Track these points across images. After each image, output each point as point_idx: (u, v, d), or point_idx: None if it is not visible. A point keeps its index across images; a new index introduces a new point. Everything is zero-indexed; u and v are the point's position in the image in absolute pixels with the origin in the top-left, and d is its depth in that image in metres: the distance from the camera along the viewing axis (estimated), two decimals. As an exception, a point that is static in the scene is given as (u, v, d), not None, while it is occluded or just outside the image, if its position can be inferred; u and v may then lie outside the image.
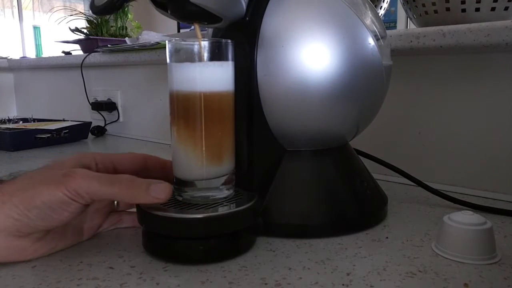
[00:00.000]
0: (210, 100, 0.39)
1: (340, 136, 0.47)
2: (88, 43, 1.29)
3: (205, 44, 0.38)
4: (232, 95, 0.41)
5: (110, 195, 0.38)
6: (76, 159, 0.42)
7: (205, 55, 0.39)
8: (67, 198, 0.36)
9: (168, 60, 0.40)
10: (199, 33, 0.40)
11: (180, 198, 0.41)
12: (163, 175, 0.41)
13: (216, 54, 0.39)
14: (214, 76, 0.39)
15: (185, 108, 0.40)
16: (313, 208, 0.44)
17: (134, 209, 0.45)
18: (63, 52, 1.43)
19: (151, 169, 0.44)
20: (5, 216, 0.35)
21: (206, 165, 0.40)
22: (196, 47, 0.38)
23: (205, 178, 0.40)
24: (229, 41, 0.40)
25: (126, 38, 1.26)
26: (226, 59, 0.40)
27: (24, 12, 4.39)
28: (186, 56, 0.39)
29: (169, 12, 0.41)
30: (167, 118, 0.41)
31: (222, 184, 0.41)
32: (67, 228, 0.40)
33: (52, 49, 2.77)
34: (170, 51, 0.39)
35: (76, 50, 1.38)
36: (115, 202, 0.46)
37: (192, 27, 0.43)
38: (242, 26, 0.43)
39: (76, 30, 1.34)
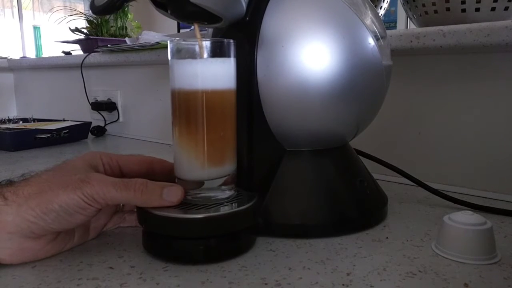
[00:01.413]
0: (212, 98, 0.39)
1: (340, 136, 0.47)
2: (88, 43, 1.29)
3: (206, 43, 0.38)
4: (234, 93, 0.41)
5: (125, 200, 0.39)
6: (85, 160, 0.42)
7: (207, 54, 0.39)
8: (84, 203, 0.36)
9: (169, 58, 0.40)
10: (198, 33, 0.40)
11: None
12: (168, 179, 0.42)
13: (218, 54, 0.39)
14: (216, 73, 0.39)
15: (187, 107, 0.39)
16: (313, 208, 0.44)
17: None
18: (63, 52, 1.43)
19: (157, 172, 0.45)
20: (20, 218, 0.35)
21: (207, 166, 0.40)
22: (197, 47, 0.38)
23: (207, 178, 0.40)
24: (231, 40, 0.40)
25: (126, 38, 1.26)
26: (228, 57, 0.40)
27: (24, 12, 4.39)
28: (188, 55, 0.39)
29: (169, 12, 0.41)
30: (167, 118, 0.42)
31: (224, 185, 0.41)
32: (76, 229, 0.41)
33: (52, 49, 2.77)
34: (172, 51, 0.39)
35: (76, 50, 1.38)
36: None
37: (192, 27, 0.43)
38: (242, 26, 0.43)
39: (76, 30, 1.34)
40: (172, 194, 0.38)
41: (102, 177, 0.38)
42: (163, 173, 0.45)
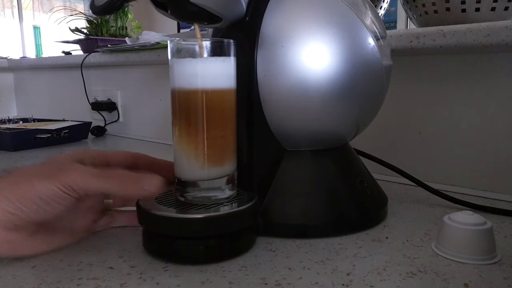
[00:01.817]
0: (212, 97, 0.39)
1: (340, 136, 0.47)
2: (88, 43, 1.29)
3: (206, 43, 0.38)
4: (234, 92, 0.41)
5: (103, 189, 0.38)
6: (71, 155, 0.42)
7: (207, 54, 0.39)
8: (61, 192, 0.36)
9: (169, 57, 0.40)
10: (198, 33, 0.40)
11: (182, 199, 0.41)
12: (153, 173, 0.41)
13: (218, 53, 0.39)
14: (216, 72, 0.39)
15: (187, 107, 0.39)
16: (313, 208, 0.44)
17: (128, 208, 0.45)
18: (63, 52, 1.43)
19: (142, 166, 0.45)
20: (0, 210, 0.35)
21: (207, 166, 0.40)
22: (197, 47, 0.38)
23: (207, 178, 0.40)
24: (231, 40, 0.40)
25: (126, 38, 1.26)
26: (228, 56, 0.40)
27: (24, 12, 4.39)
28: (188, 55, 0.39)
29: (169, 12, 0.41)
30: (167, 118, 0.42)
31: (224, 185, 0.41)
32: (61, 225, 0.40)
33: (52, 49, 2.77)
34: (172, 51, 0.39)
35: (76, 50, 1.38)
36: (111, 200, 0.46)
37: (192, 27, 0.43)
38: (242, 26, 0.43)
39: (76, 30, 1.34)
40: (151, 183, 0.37)
41: (81, 167, 0.38)
42: (147, 166, 0.45)
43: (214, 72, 0.39)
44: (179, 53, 0.39)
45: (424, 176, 0.56)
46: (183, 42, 0.39)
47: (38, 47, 4.39)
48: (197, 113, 0.39)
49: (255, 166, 0.45)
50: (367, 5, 0.46)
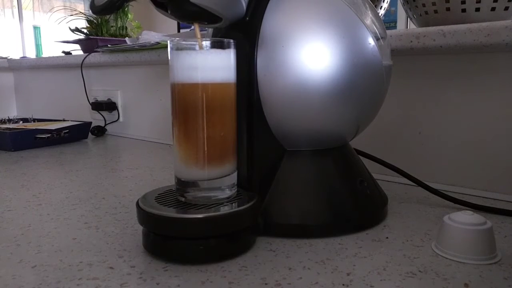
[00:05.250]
0: (212, 92, 0.39)
1: (340, 136, 0.47)
2: (88, 43, 1.29)
3: (206, 43, 0.38)
4: (234, 87, 0.41)
5: None
6: None
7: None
8: None
9: (169, 55, 0.40)
10: (198, 33, 0.40)
11: (182, 199, 0.41)
12: None
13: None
14: (215, 64, 0.39)
15: (187, 102, 0.39)
16: (313, 208, 0.44)
17: None
18: (63, 52, 1.43)
19: None
20: None
21: (208, 166, 0.40)
22: (197, 47, 0.38)
23: (207, 178, 0.40)
24: (231, 40, 0.40)
25: (126, 38, 1.26)
26: (228, 48, 0.40)
27: (24, 12, 4.39)
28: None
29: (169, 12, 0.41)
30: (167, 118, 0.41)
31: (224, 185, 0.41)
32: None
33: (52, 49, 2.77)
34: (172, 51, 0.39)
35: (76, 50, 1.38)
36: None
37: (192, 27, 0.43)
38: (242, 26, 0.43)
39: (76, 30, 1.34)
40: None
41: None
42: None
43: (213, 63, 0.39)
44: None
45: (424, 176, 0.56)
46: (183, 42, 0.39)
47: (38, 47, 4.40)
48: (197, 109, 0.39)
49: (255, 166, 0.45)
50: (367, 5, 0.46)
